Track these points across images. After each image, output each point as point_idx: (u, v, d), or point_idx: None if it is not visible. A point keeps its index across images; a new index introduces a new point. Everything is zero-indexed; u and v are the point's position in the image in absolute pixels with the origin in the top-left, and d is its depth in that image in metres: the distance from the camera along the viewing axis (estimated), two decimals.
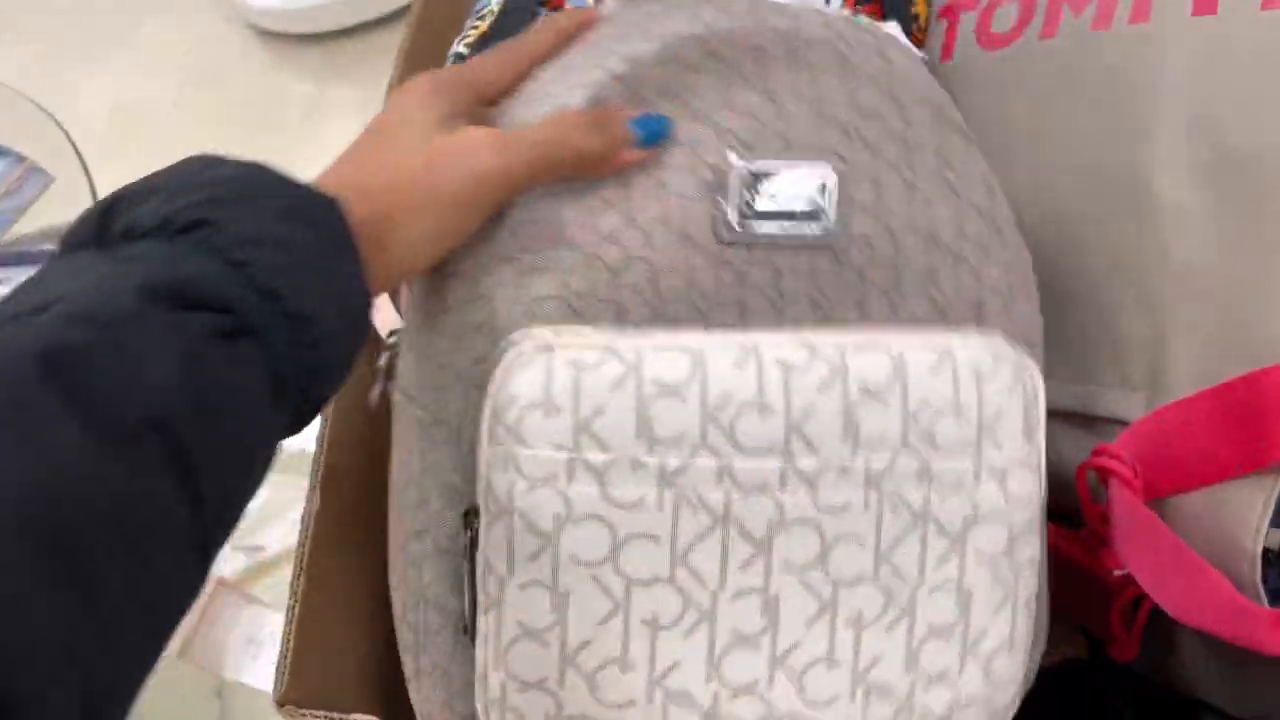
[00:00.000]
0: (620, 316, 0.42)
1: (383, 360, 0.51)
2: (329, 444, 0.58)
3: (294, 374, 0.35)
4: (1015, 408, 0.42)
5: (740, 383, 0.40)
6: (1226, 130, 0.48)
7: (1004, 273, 0.45)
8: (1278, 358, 0.45)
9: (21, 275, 0.95)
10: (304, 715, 0.50)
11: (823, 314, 0.43)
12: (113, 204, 0.35)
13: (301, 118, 1.67)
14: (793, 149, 0.43)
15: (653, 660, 0.40)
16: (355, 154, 0.41)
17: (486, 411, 0.40)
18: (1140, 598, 0.49)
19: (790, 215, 0.43)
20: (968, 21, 0.61)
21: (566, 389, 0.39)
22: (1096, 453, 0.48)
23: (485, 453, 0.40)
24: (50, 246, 0.93)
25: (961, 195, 0.45)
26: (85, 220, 0.36)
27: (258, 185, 0.35)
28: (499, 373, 0.40)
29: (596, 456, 0.39)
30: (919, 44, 0.63)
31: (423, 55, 0.69)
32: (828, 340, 0.41)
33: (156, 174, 0.36)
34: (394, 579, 0.48)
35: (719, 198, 0.42)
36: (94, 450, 0.28)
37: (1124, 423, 0.51)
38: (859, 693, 0.42)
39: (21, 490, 0.27)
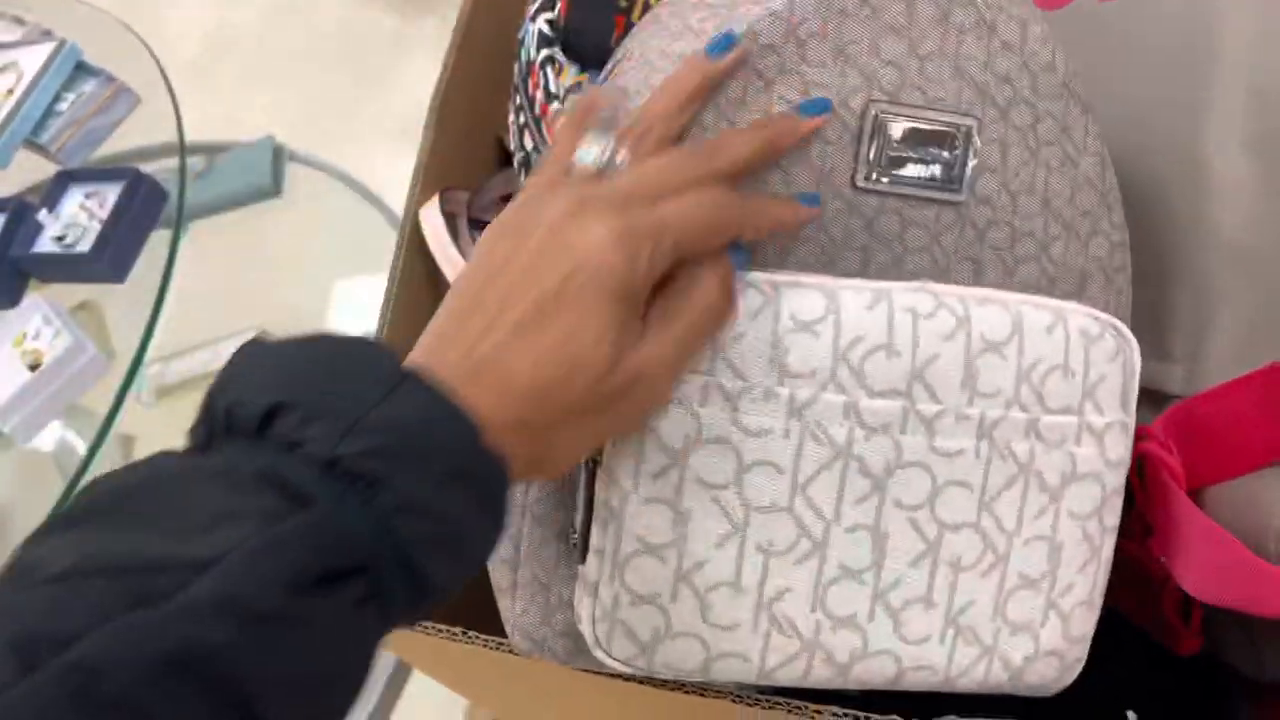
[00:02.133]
0: (753, 256, 0.43)
1: None
2: (388, 327, 0.63)
3: (402, 619, 0.34)
4: (1116, 375, 0.44)
5: (872, 324, 0.41)
6: None
7: (1109, 250, 0.47)
8: None
9: (111, 191, 0.96)
10: None
11: (940, 269, 0.45)
12: (277, 406, 0.32)
13: (388, 47, 1.62)
14: (931, 103, 0.44)
15: (763, 585, 0.41)
16: (523, 334, 0.36)
17: None
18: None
19: (926, 168, 0.44)
20: None
21: None
22: (1137, 436, 0.47)
23: None
24: (137, 164, 1.03)
25: (1078, 166, 0.46)
26: (235, 405, 0.32)
27: (435, 435, 0.33)
28: None
29: (731, 383, 0.40)
30: None
31: None
32: (953, 292, 0.42)
33: (317, 365, 0.33)
34: None
35: (860, 145, 0.43)
36: None
37: (1161, 393, 0.50)
38: (949, 635, 0.43)
39: None
